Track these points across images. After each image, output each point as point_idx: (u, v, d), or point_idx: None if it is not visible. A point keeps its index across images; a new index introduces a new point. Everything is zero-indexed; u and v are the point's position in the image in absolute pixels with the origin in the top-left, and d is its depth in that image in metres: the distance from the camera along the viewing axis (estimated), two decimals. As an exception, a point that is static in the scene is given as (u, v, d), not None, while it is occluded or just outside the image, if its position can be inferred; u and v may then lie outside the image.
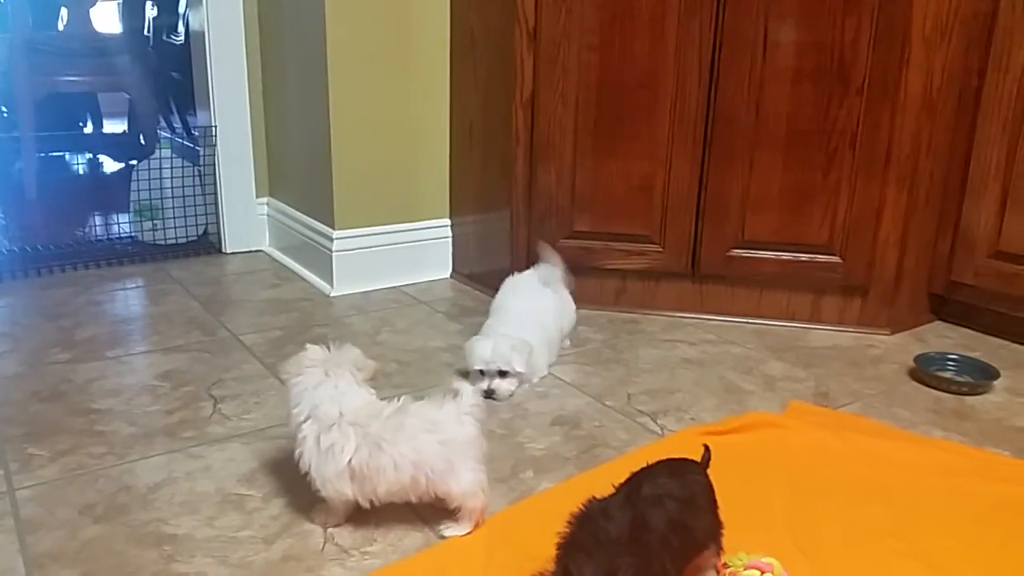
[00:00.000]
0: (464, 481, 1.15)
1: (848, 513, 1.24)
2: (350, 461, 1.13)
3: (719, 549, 1.06)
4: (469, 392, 1.19)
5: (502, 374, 1.61)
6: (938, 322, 2.12)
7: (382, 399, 1.21)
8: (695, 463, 1.09)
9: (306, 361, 1.19)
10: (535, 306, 1.78)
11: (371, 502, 1.16)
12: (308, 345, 1.22)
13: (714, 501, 1.05)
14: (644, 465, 1.05)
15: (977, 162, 1.94)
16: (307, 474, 1.16)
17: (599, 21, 1.94)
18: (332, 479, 1.14)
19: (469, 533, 1.18)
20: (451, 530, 1.18)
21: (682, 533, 0.96)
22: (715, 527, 1.05)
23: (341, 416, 1.14)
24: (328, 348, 1.22)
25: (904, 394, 1.71)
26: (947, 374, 1.77)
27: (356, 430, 1.14)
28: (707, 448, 1.12)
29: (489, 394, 1.60)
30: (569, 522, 0.95)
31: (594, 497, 0.97)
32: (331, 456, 1.13)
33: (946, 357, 1.83)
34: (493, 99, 2.13)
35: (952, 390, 1.71)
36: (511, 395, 1.63)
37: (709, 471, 1.09)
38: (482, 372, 1.63)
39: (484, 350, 1.61)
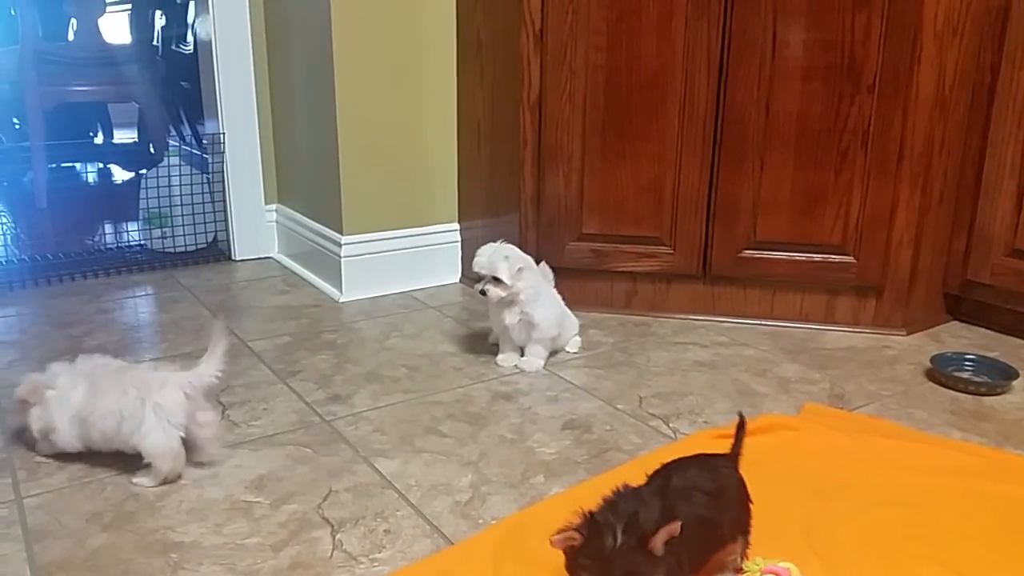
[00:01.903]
0: (153, 441, 1.27)
1: (865, 516, 1.22)
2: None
3: (747, 543, 1.05)
4: (201, 368, 1.33)
5: (496, 280, 1.71)
6: (954, 322, 2.09)
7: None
8: (727, 457, 1.08)
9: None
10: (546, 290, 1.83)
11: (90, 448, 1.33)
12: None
13: (745, 495, 1.05)
14: (675, 458, 1.05)
15: (992, 159, 1.91)
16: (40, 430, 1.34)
17: (606, 22, 1.92)
18: (65, 425, 1.31)
19: (154, 487, 1.29)
20: (138, 478, 1.30)
21: (707, 527, 0.96)
22: (744, 521, 1.04)
23: (74, 369, 1.35)
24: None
25: (921, 395, 1.68)
26: (964, 374, 1.75)
27: (85, 379, 1.32)
28: (741, 416, 1.13)
29: (483, 293, 1.74)
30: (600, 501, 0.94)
31: (626, 483, 0.97)
32: (64, 403, 1.31)
33: (963, 357, 1.80)
34: (500, 102, 2.12)
35: (970, 391, 1.68)
36: (500, 300, 1.73)
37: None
38: (479, 275, 1.74)
39: (482, 256, 1.74)
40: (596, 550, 0.88)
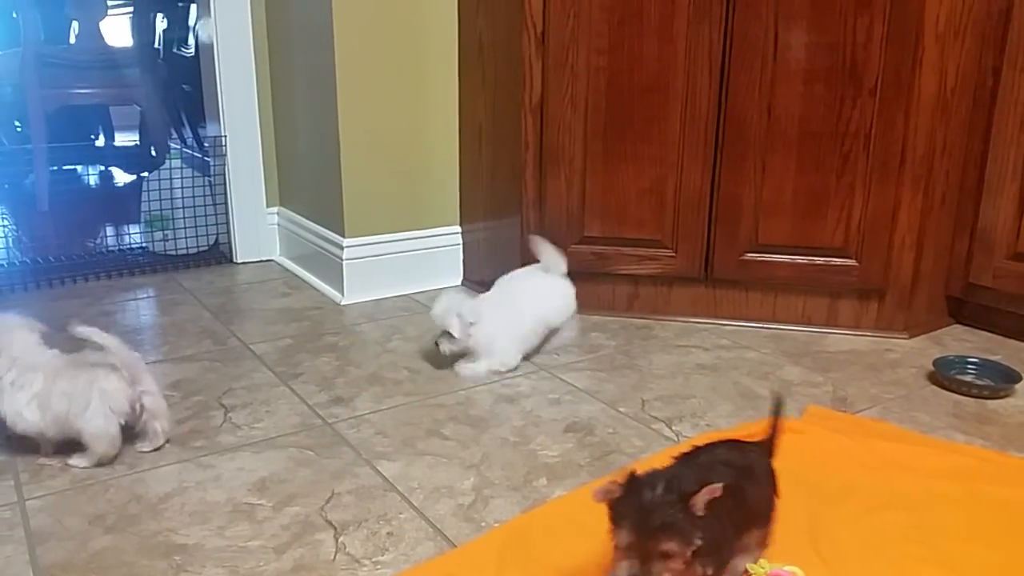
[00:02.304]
0: (94, 425, 1.33)
1: (868, 519, 1.22)
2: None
3: (768, 532, 1.06)
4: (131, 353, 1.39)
5: (449, 335, 1.71)
6: (956, 325, 2.09)
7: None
8: (759, 444, 1.09)
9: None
10: (512, 294, 1.83)
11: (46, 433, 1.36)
12: None
13: (773, 480, 1.06)
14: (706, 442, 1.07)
15: (994, 162, 1.91)
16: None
17: (607, 25, 1.92)
18: (22, 411, 1.35)
19: (86, 467, 1.35)
20: (74, 460, 1.36)
21: (738, 502, 0.97)
22: (771, 501, 1.05)
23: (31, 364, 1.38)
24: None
25: (923, 398, 1.68)
26: (967, 378, 1.74)
27: (43, 370, 1.37)
28: (778, 398, 1.13)
29: (437, 345, 1.74)
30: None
31: (656, 469, 0.97)
32: (19, 390, 1.35)
33: (966, 360, 1.80)
34: (502, 105, 2.13)
35: (973, 394, 1.68)
36: (451, 354, 1.74)
37: None
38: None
39: (436, 308, 1.75)
40: (635, 502, 0.89)
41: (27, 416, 1.35)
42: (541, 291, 1.84)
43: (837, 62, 1.84)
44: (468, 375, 1.74)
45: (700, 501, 0.88)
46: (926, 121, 1.85)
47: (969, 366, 1.79)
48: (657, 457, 1.40)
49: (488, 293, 1.83)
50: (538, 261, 1.89)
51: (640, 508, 0.89)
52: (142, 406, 1.38)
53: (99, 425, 1.34)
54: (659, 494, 0.89)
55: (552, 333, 1.86)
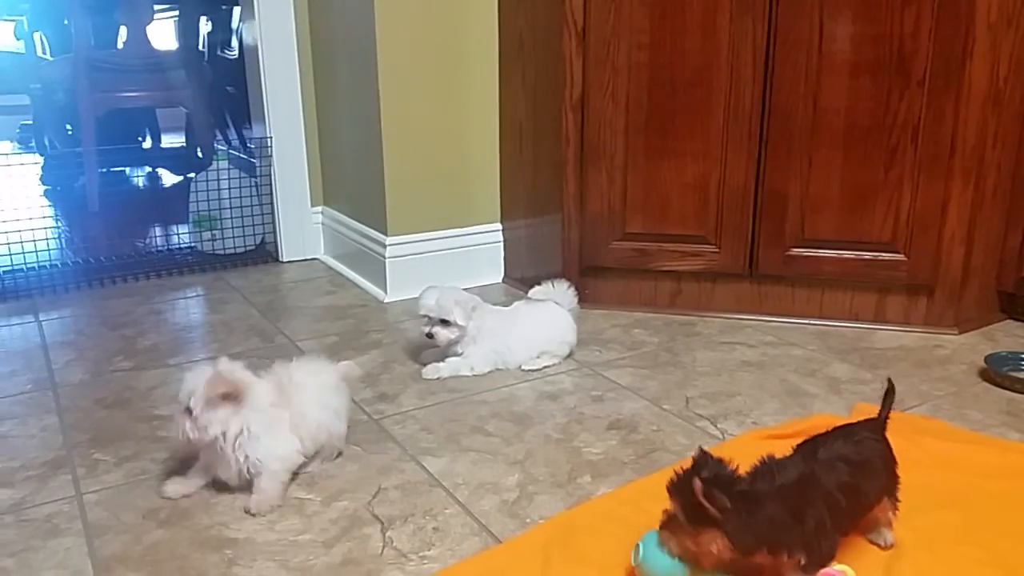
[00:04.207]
0: (260, 493, 1.26)
1: (921, 519, 1.20)
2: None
3: (895, 501, 1.12)
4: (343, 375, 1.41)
5: (444, 323, 1.70)
6: (1009, 320, 2.04)
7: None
8: (872, 425, 1.13)
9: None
10: (515, 312, 1.82)
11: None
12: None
13: (891, 460, 1.11)
14: (821, 433, 1.11)
15: (1048, 153, 1.87)
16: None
17: (649, 19, 1.91)
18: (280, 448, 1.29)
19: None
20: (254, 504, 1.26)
21: (852, 494, 1.03)
22: (891, 485, 1.11)
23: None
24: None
25: (975, 395, 1.65)
26: (1021, 374, 1.70)
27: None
28: (890, 382, 1.20)
29: (429, 336, 1.72)
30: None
31: (771, 455, 1.03)
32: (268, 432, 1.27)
33: (1019, 356, 1.76)
34: (542, 101, 2.13)
35: (1027, 391, 1.64)
36: (449, 342, 1.72)
37: None
38: (428, 317, 1.71)
39: (430, 299, 1.71)
40: (686, 481, 0.97)
41: (289, 449, 1.29)
42: (543, 319, 1.81)
43: (884, 53, 1.81)
44: (432, 375, 1.73)
45: (712, 501, 0.94)
46: (977, 112, 1.81)
47: (1023, 362, 1.75)
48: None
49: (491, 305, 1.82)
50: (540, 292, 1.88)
51: (686, 487, 0.96)
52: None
53: (266, 495, 1.26)
54: (706, 471, 0.96)
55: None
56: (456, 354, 1.75)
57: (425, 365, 1.76)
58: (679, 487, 0.98)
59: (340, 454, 1.41)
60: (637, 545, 1.03)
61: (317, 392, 1.35)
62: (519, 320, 1.80)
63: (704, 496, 0.93)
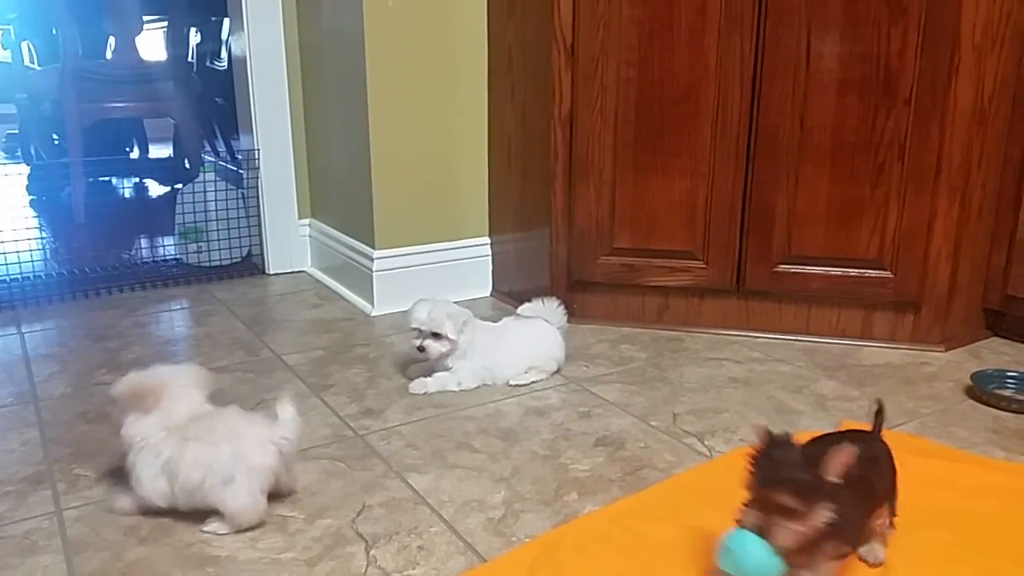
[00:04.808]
0: (239, 501, 1.20)
1: (909, 538, 1.19)
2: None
3: (894, 509, 1.12)
4: (288, 420, 1.26)
5: (435, 336, 1.69)
6: (994, 338, 2.05)
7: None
8: (872, 433, 1.14)
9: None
10: (505, 328, 1.81)
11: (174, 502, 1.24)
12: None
13: (893, 465, 1.12)
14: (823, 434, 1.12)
15: (1033, 172, 1.88)
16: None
17: (638, 37, 1.92)
18: (150, 478, 1.23)
19: (225, 535, 1.22)
20: (212, 526, 1.22)
21: (867, 490, 1.03)
22: (893, 489, 1.12)
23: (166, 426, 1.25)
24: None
25: (961, 413, 1.65)
26: (1007, 392, 1.71)
27: (174, 432, 1.23)
28: (879, 403, 1.17)
29: (420, 349, 1.70)
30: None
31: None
32: (151, 456, 1.23)
33: (1005, 374, 1.77)
34: (531, 117, 2.13)
35: (1013, 409, 1.65)
36: (440, 355, 1.71)
37: None
38: (419, 330, 1.70)
39: (421, 312, 1.70)
40: (767, 457, 0.95)
41: (155, 485, 1.23)
42: (532, 335, 1.80)
43: (871, 72, 1.82)
44: (419, 390, 1.72)
45: (833, 463, 0.92)
46: (962, 131, 1.82)
47: (1009, 380, 1.76)
48: (688, 474, 1.39)
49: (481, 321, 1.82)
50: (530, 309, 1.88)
51: (770, 462, 0.94)
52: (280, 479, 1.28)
53: (245, 504, 1.21)
54: (791, 454, 0.95)
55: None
56: (445, 368, 1.74)
57: (412, 380, 1.75)
58: (760, 462, 0.95)
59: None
60: (723, 546, 0.98)
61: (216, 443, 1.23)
62: (508, 336, 1.79)
63: (827, 464, 0.91)
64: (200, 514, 1.23)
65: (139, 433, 1.24)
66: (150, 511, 1.25)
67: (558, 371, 1.82)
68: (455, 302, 1.78)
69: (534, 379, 1.77)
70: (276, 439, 1.24)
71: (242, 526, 1.22)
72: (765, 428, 0.97)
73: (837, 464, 0.93)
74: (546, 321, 1.83)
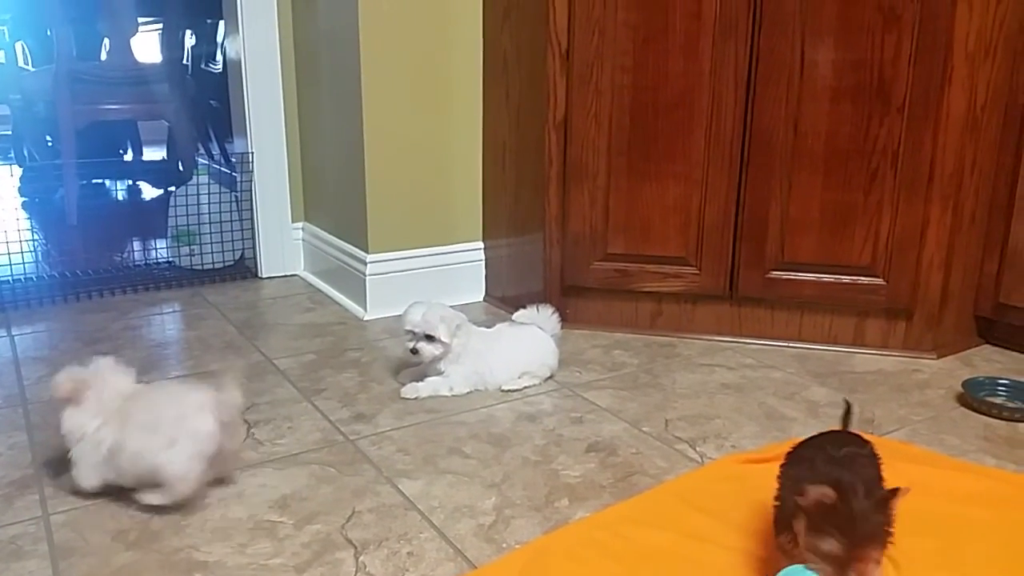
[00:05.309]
0: (179, 468, 1.23)
1: (897, 546, 1.19)
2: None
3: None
4: (231, 387, 1.29)
5: (429, 338, 1.68)
6: (986, 345, 2.05)
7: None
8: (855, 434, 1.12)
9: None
10: (499, 334, 1.81)
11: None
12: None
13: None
14: (808, 438, 1.10)
15: (1025, 180, 1.89)
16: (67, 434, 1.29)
17: (632, 42, 1.92)
18: (92, 467, 1.28)
19: (164, 506, 1.26)
20: (148, 497, 1.26)
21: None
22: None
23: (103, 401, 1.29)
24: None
25: (952, 420, 1.65)
26: (998, 400, 1.71)
27: (112, 417, 1.27)
28: (847, 403, 1.20)
29: (414, 352, 1.70)
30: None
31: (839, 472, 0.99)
32: (90, 447, 1.27)
33: (996, 382, 1.77)
34: (526, 121, 2.13)
35: (1004, 416, 1.65)
36: (434, 358, 1.71)
37: (750, 499, 1.08)
38: (413, 333, 1.70)
39: (415, 314, 1.70)
40: (846, 511, 0.90)
41: (95, 475, 1.28)
42: (525, 341, 1.80)
43: (864, 79, 1.82)
44: (411, 395, 1.71)
45: (895, 506, 0.91)
46: (955, 139, 1.83)
47: (999, 388, 1.76)
48: (679, 480, 1.39)
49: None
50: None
51: (850, 517, 0.90)
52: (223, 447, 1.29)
53: (185, 469, 1.23)
54: (866, 502, 0.91)
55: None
56: (438, 372, 1.74)
57: (404, 384, 1.75)
58: (838, 518, 0.90)
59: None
60: None
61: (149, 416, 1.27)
62: (502, 341, 1.79)
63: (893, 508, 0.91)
64: (197, 523, 1.23)
65: (75, 426, 1.28)
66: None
67: (551, 377, 1.81)
68: (448, 306, 1.78)
69: (526, 384, 1.77)
70: (219, 405, 1.27)
71: (178, 496, 1.25)
72: (833, 482, 0.92)
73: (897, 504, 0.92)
74: (540, 328, 1.82)
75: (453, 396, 1.72)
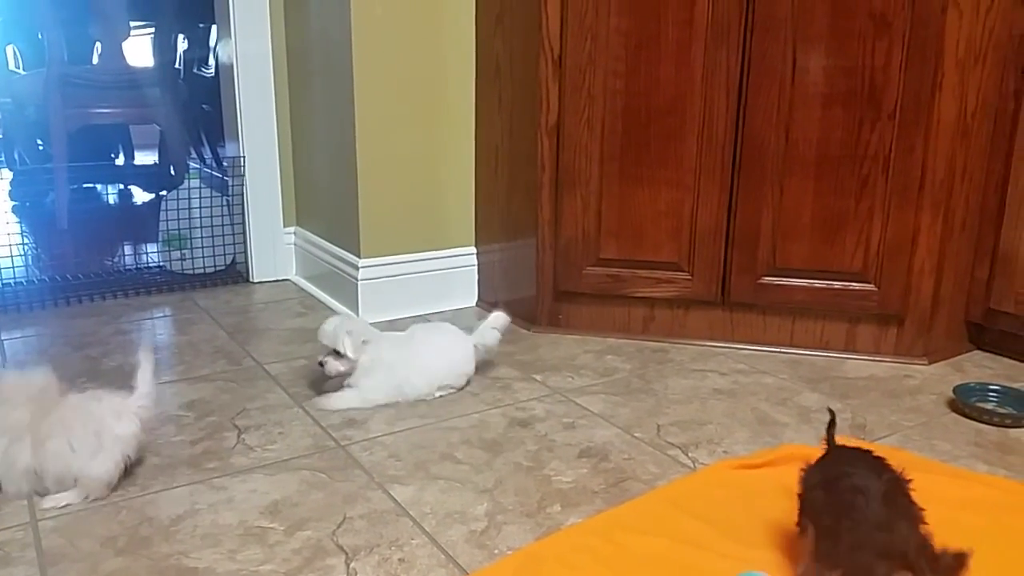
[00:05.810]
0: (101, 470, 1.29)
1: (889, 551, 1.19)
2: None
3: None
4: (144, 386, 1.36)
5: (336, 353, 1.67)
6: (977, 351, 2.06)
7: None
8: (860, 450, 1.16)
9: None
10: (415, 341, 1.77)
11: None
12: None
13: None
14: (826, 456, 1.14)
15: (1015, 186, 1.89)
16: None
17: (625, 48, 1.93)
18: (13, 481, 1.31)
19: (68, 504, 1.29)
20: (61, 495, 1.30)
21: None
22: None
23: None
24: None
25: (944, 426, 1.66)
26: (989, 405, 1.72)
27: (23, 434, 1.29)
28: (831, 412, 1.21)
29: (321, 365, 1.69)
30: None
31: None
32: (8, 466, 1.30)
33: (987, 388, 1.77)
34: (518, 127, 2.13)
35: (995, 422, 1.65)
36: (336, 375, 1.70)
37: (742, 504, 1.08)
38: (324, 346, 1.70)
39: (326, 327, 1.70)
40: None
41: (15, 490, 1.31)
42: (442, 349, 1.77)
43: (855, 86, 1.83)
44: (325, 406, 1.68)
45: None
46: (946, 146, 1.83)
47: (991, 393, 1.76)
48: (671, 486, 1.39)
49: (395, 332, 1.79)
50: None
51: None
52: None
53: (106, 471, 1.30)
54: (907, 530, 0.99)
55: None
56: (349, 386, 1.71)
57: (323, 395, 1.72)
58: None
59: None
60: None
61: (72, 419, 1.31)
62: (418, 353, 1.74)
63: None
64: (186, 529, 1.22)
65: None
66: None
67: (468, 384, 1.79)
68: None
69: (443, 394, 1.75)
70: (134, 408, 1.34)
71: (93, 495, 1.30)
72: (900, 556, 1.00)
73: None
74: (456, 330, 1.80)
75: (430, 402, 1.71)
